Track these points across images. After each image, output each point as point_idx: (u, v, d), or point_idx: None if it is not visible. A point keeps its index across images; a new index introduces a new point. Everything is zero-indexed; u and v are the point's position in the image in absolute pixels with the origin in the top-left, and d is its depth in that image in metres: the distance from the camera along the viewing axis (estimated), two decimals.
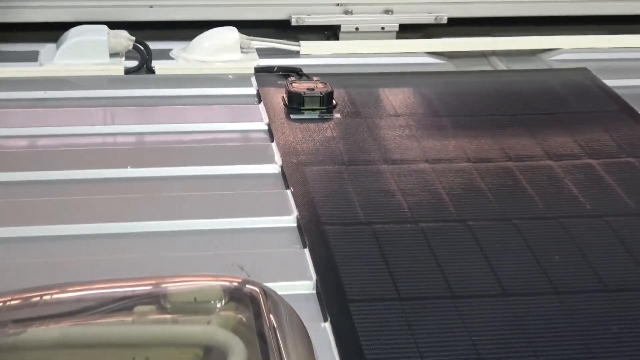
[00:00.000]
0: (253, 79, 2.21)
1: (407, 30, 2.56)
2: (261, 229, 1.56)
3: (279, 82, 2.16)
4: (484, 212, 1.61)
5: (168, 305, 1.13)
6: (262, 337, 1.08)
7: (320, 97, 2.00)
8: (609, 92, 2.16)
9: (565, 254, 1.49)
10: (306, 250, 1.49)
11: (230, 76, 2.24)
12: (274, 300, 1.15)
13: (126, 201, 1.62)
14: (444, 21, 2.58)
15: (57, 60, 2.23)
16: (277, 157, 1.80)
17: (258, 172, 1.76)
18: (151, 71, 2.24)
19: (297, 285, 1.40)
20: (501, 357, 1.25)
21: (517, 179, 1.73)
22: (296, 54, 2.39)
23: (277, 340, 1.08)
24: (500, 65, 2.44)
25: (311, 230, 1.53)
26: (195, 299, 1.15)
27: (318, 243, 1.49)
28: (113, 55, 2.25)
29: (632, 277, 1.44)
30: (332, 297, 1.36)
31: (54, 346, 1.09)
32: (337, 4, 2.55)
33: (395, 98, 2.12)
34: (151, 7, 2.48)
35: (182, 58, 2.31)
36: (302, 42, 2.41)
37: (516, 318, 1.33)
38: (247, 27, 2.40)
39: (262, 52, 2.35)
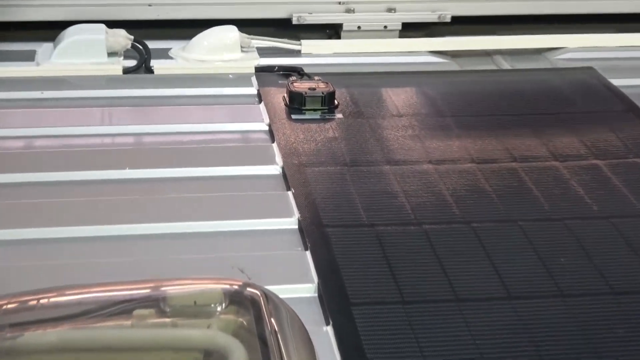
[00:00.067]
0: (253, 79, 2.20)
1: (410, 29, 2.55)
2: (262, 231, 1.55)
3: (279, 81, 2.15)
4: (488, 213, 1.60)
5: (168, 309, 1.13)
6: (263, 341, 1.08)
7: (322, 97, 1.99)
8: (615, 92, 2.15)
9: (571, 256, 1.48)
10: (308, 253, 1.48)
11: (230, 76, 2.23)
12: (275, 304, 1.15)
13: (124, 203, 1.62)
14: (448, 20, 2.57)
15: (54, 59, 2.21)
16: (278, 158, 1.78)
17: (259, 173, 1.75)
18: (150, 71, 2.23)
19: (299, 288, 1.39)
20: None
21: (522, 180, 1.72)
22: (297, 53, 2.38)
23: (279, 344, 1.08)
24: (505, 64, 2.43)
25: (313, 232, 1.52)
26: (195, 302, 1.15)
27: (320, 245, 1.49)
28: (111, 54, 2.24)
29: (639, 279, 1.43)
30: (334, 300, 1.35)
31: (52, 350, 1.08)
32: (339, 2, 2.54)
33: (398, 98, 2.11)
34: (150, 5, 2.47)
35: (182, 57, 2.30)
36: (303, 41, 2.40)
37: (521, 321, 1.32)
38: (247, 25, 2.39)
39: (263, 52, 2.34)
